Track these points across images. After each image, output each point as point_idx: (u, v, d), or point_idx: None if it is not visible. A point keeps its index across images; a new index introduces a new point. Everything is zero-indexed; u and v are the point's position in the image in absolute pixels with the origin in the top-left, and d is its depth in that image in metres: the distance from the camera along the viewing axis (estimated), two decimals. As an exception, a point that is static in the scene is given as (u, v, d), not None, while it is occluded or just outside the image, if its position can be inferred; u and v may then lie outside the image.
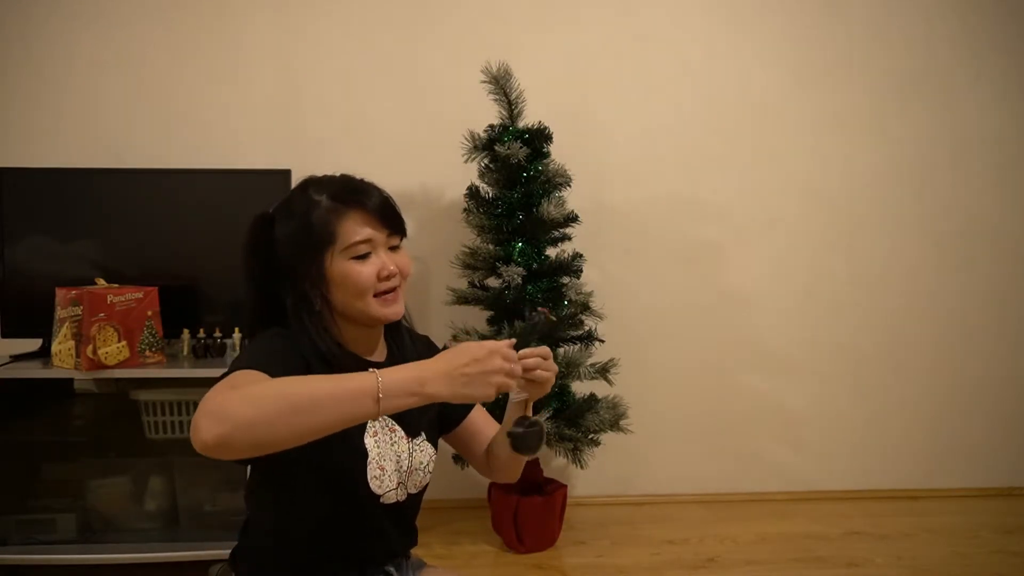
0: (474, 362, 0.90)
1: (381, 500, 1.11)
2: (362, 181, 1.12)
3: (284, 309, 1.10)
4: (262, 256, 1.11)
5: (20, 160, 2.24)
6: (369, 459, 1.08)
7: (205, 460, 0.88)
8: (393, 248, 1.11)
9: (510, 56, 2.24)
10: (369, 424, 1.09)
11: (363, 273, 1.06)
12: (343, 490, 1.08)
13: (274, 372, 0.94)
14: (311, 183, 1.11)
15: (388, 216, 1.09)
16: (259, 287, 1.13)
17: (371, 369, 0.90)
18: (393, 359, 1.18)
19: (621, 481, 2.67)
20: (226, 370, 0.97)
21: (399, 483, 1.12)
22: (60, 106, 2.46)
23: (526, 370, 1.02)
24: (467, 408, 1.26)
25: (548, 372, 1.06)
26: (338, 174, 1.13)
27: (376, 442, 1.10)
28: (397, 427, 1.13)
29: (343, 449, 1.06)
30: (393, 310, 1.10)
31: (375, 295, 1.08)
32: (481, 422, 1.28)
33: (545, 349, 1.06)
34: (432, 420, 1.21)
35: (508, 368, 0.93)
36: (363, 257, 1.07)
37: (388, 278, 1.08)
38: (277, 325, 1.11)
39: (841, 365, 2.76)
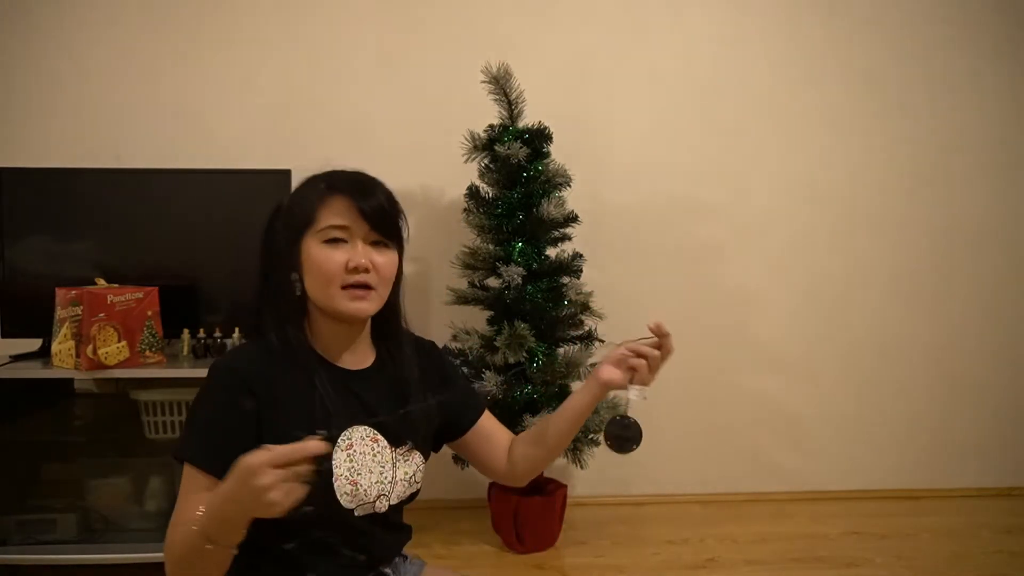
0: (243, 486, 0.83)
1: (356, 513, 1.07)
2: (370, 178, 1.10)
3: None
4: (269, 241, 1.12)
5: (20, 160, 2.23)
6: (335, 476, 1.04)
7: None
8: (376, 245, 1.07)
9: (510, 56, 2.24)
10: (343, 437, 1.06)
11: (331, 259, 1.03)
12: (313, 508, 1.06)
13: (219, 454, 0.94)
14: (324, 172, 1.11)
15: (373, 211, 1.05)
16: (264, 276, 1.13)
17: (194, 525, 0.90)
18: (381, 368, 1.15)
19: (621, 481, 2.67)
20: (179, 446, 1.02)
21: (379, 495, 1.09)
22: (61, 106, 2.46)
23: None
24: (475, 414, 1.24)
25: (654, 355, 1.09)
26: (354, 169, 1.12)
27: (348, 455, 1.06)
28: (379, 436, 1.10)
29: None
30: (357, 306, 1.05)
31: (343, 287, 1.04)
32: (491, 427, 1.26)
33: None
34: (426, 432, 1.18)
35: (277, 479, 0.81)
36: (336, 243, 1.05)
37: (356, 270, 1.04)
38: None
39: (841, 365, 2.76)
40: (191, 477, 1.00)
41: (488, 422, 1.26)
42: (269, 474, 0.81)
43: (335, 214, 1.05)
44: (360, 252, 1.04)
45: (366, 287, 1.05)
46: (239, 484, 0.82)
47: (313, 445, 0.83)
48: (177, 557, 0.95)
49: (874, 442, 2.78)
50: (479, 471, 1.29)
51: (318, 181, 1.09)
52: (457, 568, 2.11)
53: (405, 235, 1.13)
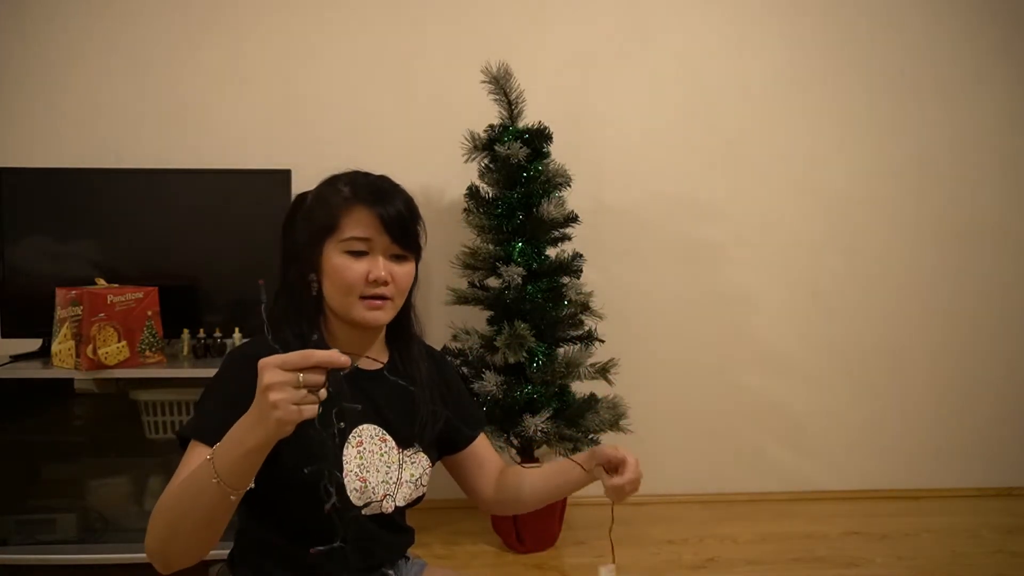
0: (258, 391, 0.80)
1: (364, 511, 1.08)
2: (392, 186, 1.11)
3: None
4: (290, 234, 1.13)
5: (20, 160, 2.24)
6: (346, 472, 1.05)
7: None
8: (396, 257, 1.09)
9: (510, 56, 2.24)
10: (354, 434, 1.08)
11: (352, 270, 1.05)
12: (322, 503, 1.04)
13: (223, 432, 0.89)
14: (347, 174, 1.11)
15: (396, 224, 1.06)
16: (285, 267, 1.14)
17: (208, 455, 0.86)
18: (392, 367, 1.16)
19: (621, 481, 2.66)
20: (186, 427, 1.01)
21: (385, 495, 1.09)
22: (60, 106, 2.46)
23: None
24: (474, 433, 1.25)
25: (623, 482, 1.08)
26: (378, 174, 1.13)
27: (359, 452, 1.07)
28: (388, 436, 1.11)
29: (317, 463, 1.03)
30: (373, 316, 1.07)
31: (361, 297, 1.06)
32: (485, 452, 1.27)
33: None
34: (431, 436, 1.18)
35: (281, 380, 0.78)
36: (358, 255, 1.06)
37: (376, 283, 1.06)
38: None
39: (841, 365, 2.76)
40: (194, 453, 0.96)
41: (484, 446, 1.27)
42: (274, 373, 0.78)
43: (358, 225, 1.05)
44: (381, 265, 1.06)
45: (383, 298, 1.07)
46: (256, 390, 0.80)
47: (324, 353, 0.80)
48: (168, 506, 0.89)
49: (874, 442, 2.78)
50: (466, 493, 1.29)
51: (341, 185, 1.09)
52: (457, 568, 2.11)
53: (423, 241, 1.14)
